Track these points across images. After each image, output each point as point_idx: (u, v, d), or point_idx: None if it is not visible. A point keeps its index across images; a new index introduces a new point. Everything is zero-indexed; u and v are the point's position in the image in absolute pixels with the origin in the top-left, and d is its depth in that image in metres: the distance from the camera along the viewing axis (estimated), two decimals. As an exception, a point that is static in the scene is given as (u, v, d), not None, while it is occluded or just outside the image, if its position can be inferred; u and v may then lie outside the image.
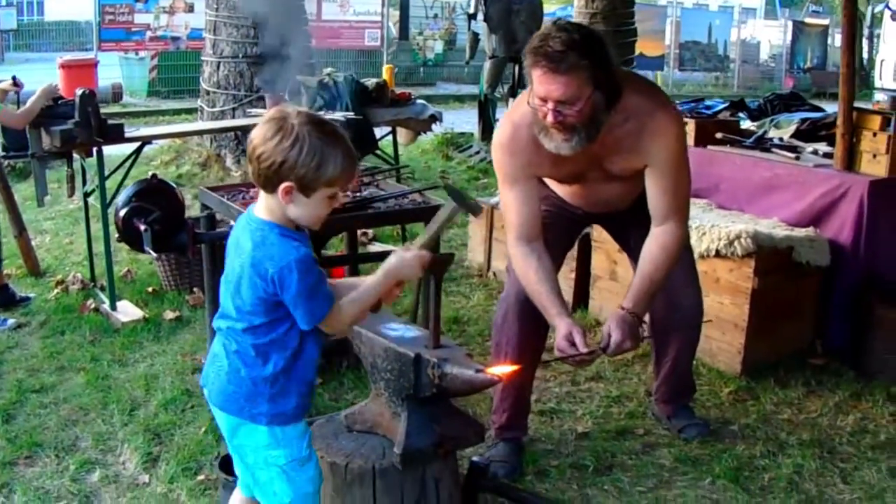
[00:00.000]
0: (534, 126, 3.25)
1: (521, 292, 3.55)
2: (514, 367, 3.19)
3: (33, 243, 6.48)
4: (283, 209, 2.48)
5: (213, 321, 2.72)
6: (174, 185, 5.03)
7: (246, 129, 8.67)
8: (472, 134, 11.96)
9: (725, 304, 4.67)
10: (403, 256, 2.66)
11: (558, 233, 3.76)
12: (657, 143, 3.33)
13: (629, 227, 3.79)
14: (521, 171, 3.45)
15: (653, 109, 3.32)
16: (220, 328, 2.65)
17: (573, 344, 3.29)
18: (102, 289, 5.75)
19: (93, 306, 5.56)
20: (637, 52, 12.69)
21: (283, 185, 2.43)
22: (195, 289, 5.74)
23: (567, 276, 5.53)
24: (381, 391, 3.08)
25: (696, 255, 4.63)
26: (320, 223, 2.55)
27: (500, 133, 3.51)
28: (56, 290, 5.88)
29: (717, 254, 4.64)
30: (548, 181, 3.72)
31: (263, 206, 2.52)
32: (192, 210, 6.05)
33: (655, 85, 3.59)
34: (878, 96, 17.36)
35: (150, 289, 5.89)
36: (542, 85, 3.08)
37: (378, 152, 8.13)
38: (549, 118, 3.11)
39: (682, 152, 3.45)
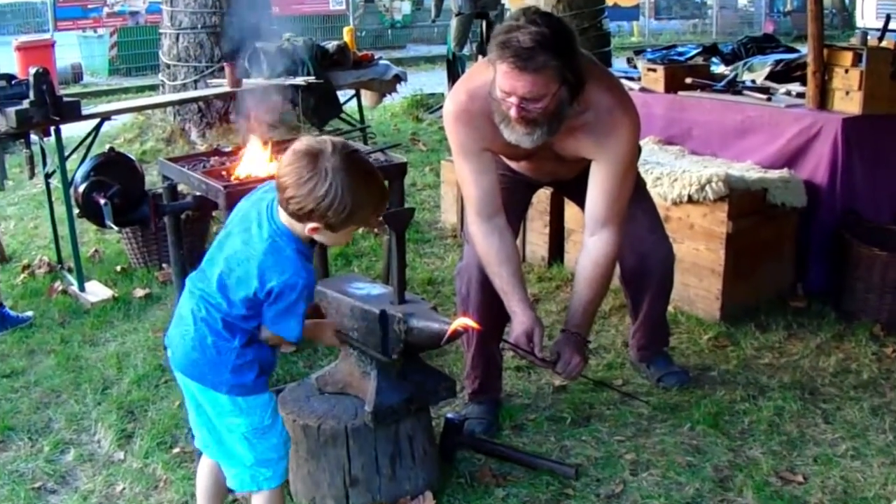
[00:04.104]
0: (494, 114, 3.21)
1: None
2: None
3: (-3, 229, 6.49)
4: (305, 233, 2.54)
5: (188, 278, 2.75)
6: (133, 157, 5.04)
7: (208, 100, 8.72)
8: (442, 94, 11.95)
9: (701, 251, 4.72)
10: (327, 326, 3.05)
11: (513, 197, 3.74)
12: (609, 141, 3.32)
13: (578, 188, 3.68)
14: (476, 143, 3.41)
15: (612, 107, 3.31)
16: (192, 290, 2.68)
17: (531, 341, 3.33)
18: (70, 270, 5.76)
19: (61, 289, 5.58)
20: (611, 2, 12.68)
21: (311, 225, 2.49)
22: (164, 265, 5.76)
23: (541, 231, 5.59)
24: (349, 351, 3.15)
25: (668, 202, 4.71)
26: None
27: (455, 102, 3.44)
28: (23, 275, 5.88)
29: (690, 199, 4.67)
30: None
31: (286, 216, 2.55)
32: (158, 185, 6.07)
33: (619, 83, 3.56)
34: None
35: (118, 268, 5.90)
36: (507, 80, 3.03)
37: (343, 116, 8.14)
38: (513, 112, 3.08)
39: (632, 158, 3.45)
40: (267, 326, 2.62)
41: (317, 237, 2.55)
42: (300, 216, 2.48)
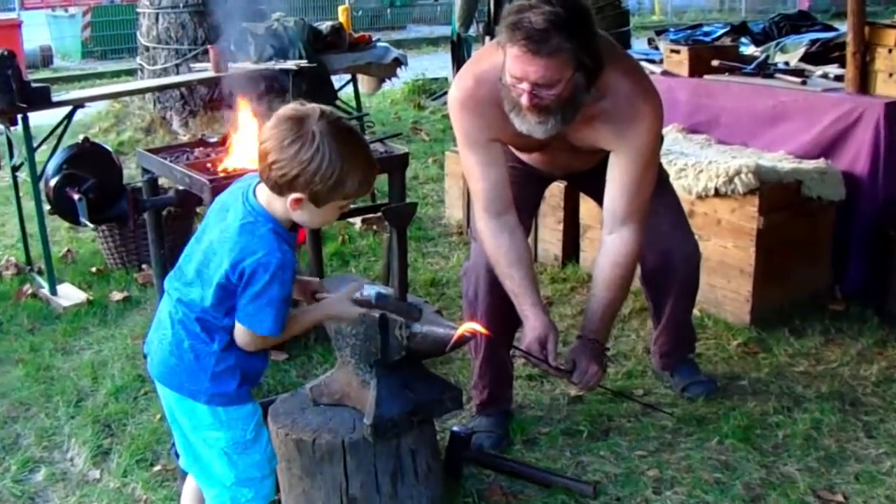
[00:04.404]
0: (503, 102, 3.21)
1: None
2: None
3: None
4: (287, 211, 2.53)
5: (164, 280, 2.76)
6: (109, 148, 5.05)
7: (191, 86, 8.74)
8: (445, 79, 11.96)
9: (729, 248, 4.73)
10: (334, 299, 2.80)
11: (524, 192, 3.74)
12: (630, 132, 3.32)
13: (595, 182, 3.69)
14: (483, 132, 3.42)
15: (632, 94, 3.31)
16: (170, 291, 2.70)
17: (544, 348, 3.33)
18: (40, 272, 5.79)
19: (30, 292, 5.60)
20: (630, -23, 12.70)
21: (294, 196, 2.47)
22: (144, 265, 5.78)
23: (554, 228, 5.61)
24: (347, 359, 3.16)
25: (693, 195, 4.71)
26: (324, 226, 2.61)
27: (460, 88, 3.44)
28: (-13, 278, 5.92)
29: (717, 193, 4.68)
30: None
31: (265, 194, 2.56)
32: (137, 178, 6.08)
33: (640, 67, 3.57)
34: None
35: (93, 269, 5.92)
36: (518, 65, 3.03)
37: (338, 103, 8.14)
38: (524, 100, 3.08)
39: (654, 148, 3.45)
40: (238, 321, 2.57)
41: (298, 214, 2.53)
42: (282, 185, 2.46)
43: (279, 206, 2.53)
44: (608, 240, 3.48)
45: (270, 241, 2.51)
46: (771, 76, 5.56)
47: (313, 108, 2.50)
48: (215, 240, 2.59)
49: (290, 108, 2.52)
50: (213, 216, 2.67)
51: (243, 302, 2.54)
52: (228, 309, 2.59)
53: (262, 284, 2.49)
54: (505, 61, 3.09)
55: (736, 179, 4.61)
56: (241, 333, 2.60)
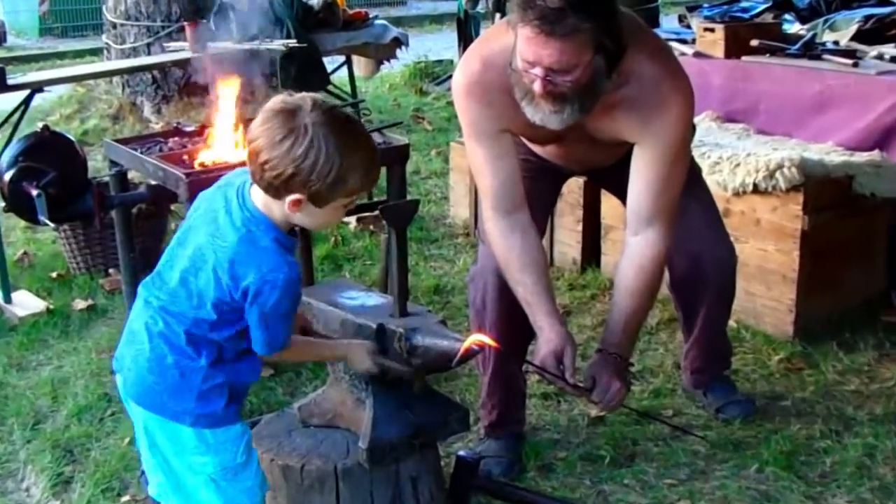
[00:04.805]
0: (514, 88, 3.19)
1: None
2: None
3: None
4: (285, 214, 2.54)
5: (140, 285, 2.76)
6: (72, 138, 5.05)
7: (164, 68, 8.75)
8: (451, 61, 11.97)
9: (770, 252, 4.73)
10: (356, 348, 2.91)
11: (537, 188, 3.74)
12: (656, 122, 3.31)
13: (618, 177, 3.69)
14: (492, 122, 3.42)
15: (660, 78, 3.29)
16: (148, 300, 2.69)
17: (561, 363, 3.32)
18: (-8, 278, 5.81)
19: (-20, 300, 5.62)
20: (658, -54, 12.69)
21: (292, 197, 2.48)
22: (111, 270, 5.79)
23: (573, 229, 5.62)
24: (340, 374, 3.16)
25: (729, 192, 4.72)
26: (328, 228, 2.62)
27: (466, 72, 3.43)
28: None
29: (756, 189, 4.68)
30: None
31: (261, 197, 2.57)
32: (103, 171, 6.09)
33: (668, 48, 3.56)
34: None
35: (53, 274, 5.93)
36: (530, 48, 3.00)
37: (331, 88, 8.16)
38: (537, 86, 3.06)
39: (684, 140, 3.44)
40: (256, 344, 2.63)
41: (299, 217, 2.55)
42: (277, 187, 2.47)
43: (277, 209, 2.54)
44: (632, 242, 3.48)
45: (275, 254, 2.53)
46: (818, 57, 5.55)
47: (304, 97, 2.51)
48: (204, 245, 2.59)
49: (278, 100, 2.52)
50: (199, 217, 2.67)
51: (256, 326, 2.59)
52: (224, 323, 2.61)
53: (271, 303, 2.53)
54: (516, 43, 3.08)
55: (777, 174, 4.61)
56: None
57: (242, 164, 2.66)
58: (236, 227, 2.55)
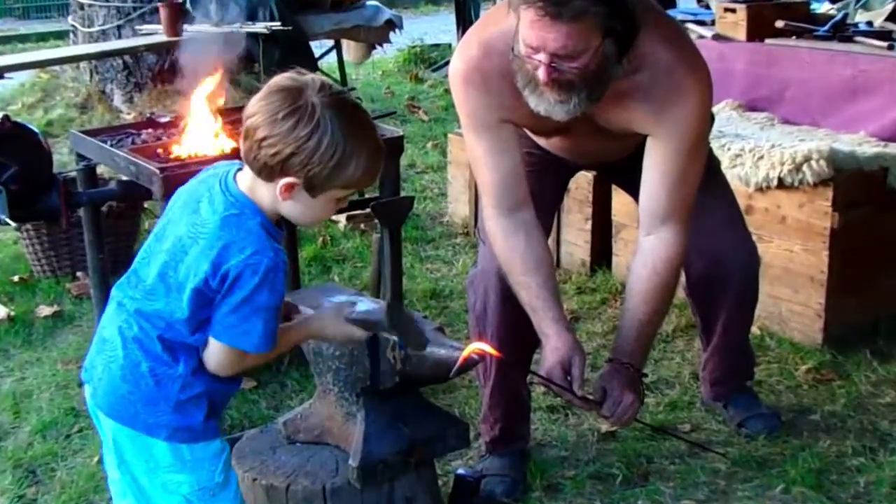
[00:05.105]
0: (517, 75, 3.19)
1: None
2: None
3: None
4: (275, 201, 2.54)
5: (113, 288, 2.75)
6: (35, 129, 5.06)
7: (137, 53, 8.76)
8: (448, 45, 11.98)
9: (796, 252, 4.74)
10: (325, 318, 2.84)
11: (543, 184, 3.75)
12: (670, 112, 3.31)
13: (630, 172, 3.70)
14: (492, 112, 3.42)
15: (674, 65, 3.30)
16: (122, 303, 2.68)
17: (568, 374, 3.32)
18: (-51, 282, 5.83)
19: (-64, 306, 5.63)
20: (675, -82, 12.71)
21: (286, 180, 2.48)
22: (78, 273, 5.80)
23: (581, 228, 5.65)
24: (328, 386, 3.17)
25: (751, 187, 4.73)
26: (317, 225, 2.61)
27: (464, 58, 3.43)
28: None
29: (781, 184, 4.69)
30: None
31: (248, 182, 2.57)
32: (69, 166, 6.10)
33: (684, 32, 3.56)
34: None
35: (15, 277, 5.94)
36: (534, 32, 2.99)
37: (319, 74, 8.17)
38: (541, 74, 3.05)
39: (701, 131, 3.45)
40: (214, 336, 2.57)
41: (289, 206, 2.55)
42: (273, 167, 2.47)
43: (266, 195, 2.55)
44: (646, 242, 3.49)
45: (260, 238, 2.52)
46: (850, 39, 5.57)
47: (312, 78, 2.52)
48: (184, 235, 2.57)
49: (284, 77, 2.53)
50: (178, 209, 2.66)
51: (223, 312, 2.54)
52: (200, 322, 2.58)
53: (248, 289, 2.49)
54: (518, 27, 3.08)
55: (805, 167, 4.61)
56: (215, 353, 2.60)
57: (222, 157, 2.67)
58: (218, 211, 2.54)
